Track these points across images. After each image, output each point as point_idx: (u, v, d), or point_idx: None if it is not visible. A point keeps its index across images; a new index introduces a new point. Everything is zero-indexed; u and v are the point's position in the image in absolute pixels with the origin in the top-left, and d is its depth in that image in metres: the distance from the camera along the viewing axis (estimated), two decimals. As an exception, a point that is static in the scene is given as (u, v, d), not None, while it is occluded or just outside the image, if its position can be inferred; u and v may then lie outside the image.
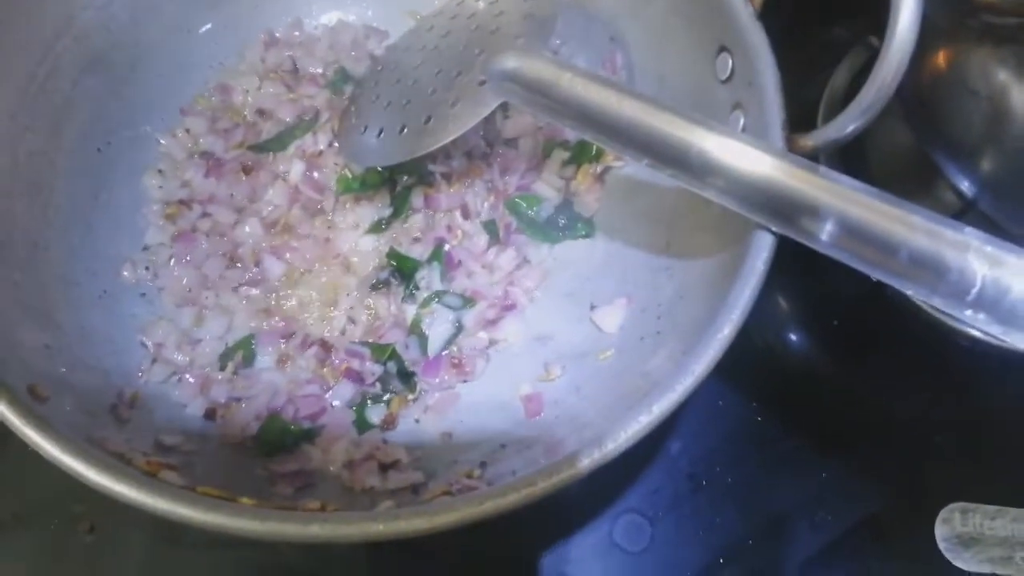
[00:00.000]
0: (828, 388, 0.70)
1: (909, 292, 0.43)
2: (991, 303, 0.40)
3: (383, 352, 0.58)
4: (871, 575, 0.62)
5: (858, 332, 0.71)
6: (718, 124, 0.47)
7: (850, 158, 0.75)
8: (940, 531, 0.63)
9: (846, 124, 0.47)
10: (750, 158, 0.45)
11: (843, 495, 0.64)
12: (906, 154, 0.71)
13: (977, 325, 0.41)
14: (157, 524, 0.60)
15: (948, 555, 0.62)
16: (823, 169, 0.45)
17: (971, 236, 0.41)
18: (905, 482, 0.65)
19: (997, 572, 0.61)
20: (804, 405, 0.69)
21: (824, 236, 0.44)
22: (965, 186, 0.61)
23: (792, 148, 0.49)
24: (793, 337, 0.72)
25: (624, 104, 0.48)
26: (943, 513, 0.63)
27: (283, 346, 0.58)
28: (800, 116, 0.74)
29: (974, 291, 0.40)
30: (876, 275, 0.43)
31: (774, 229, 0.46)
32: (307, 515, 0.38)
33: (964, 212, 0.67)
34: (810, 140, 0.49)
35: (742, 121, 0.53)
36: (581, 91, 0.49)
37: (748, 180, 0.44)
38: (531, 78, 0.52)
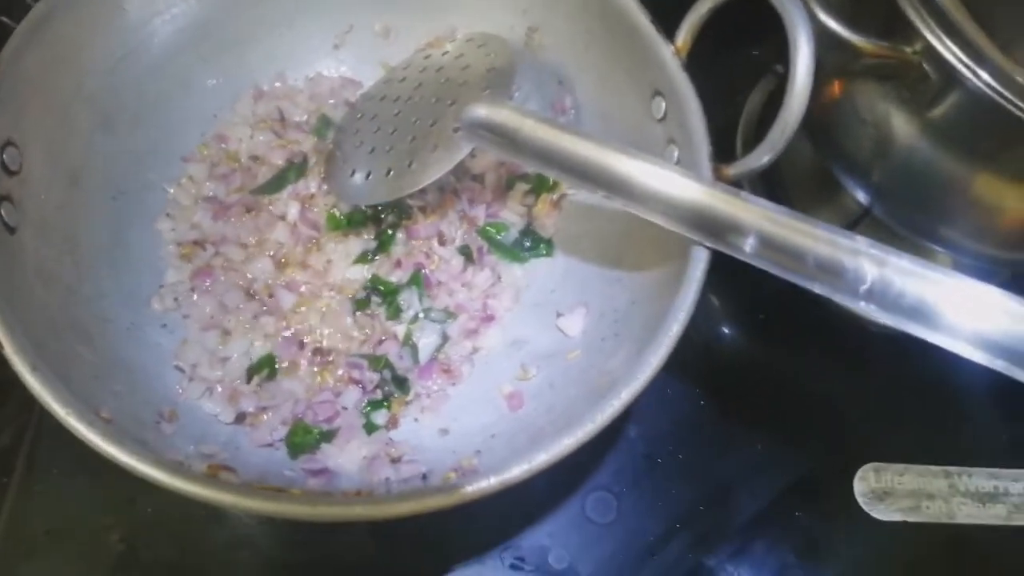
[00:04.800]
0: (758, 373, 0.79)
1: (816, 290, 0.52)
2: (879, 295, 0.49)
3: (378, 362, 0.66)
4: (802, 529, 0.71)
5: (781, 323, 0.80)
6: (656, 158, 0.56)
7: (768, 174, 0.86)
8: (858, 487, 0.72)
9: (760, 156, 0.57)
10: (684, 187, 0.53)
11: (775, 464, 0.73)
12: (813, 169, 0.81)
13: (869, 315, 0.50)
14: (180, 532, 0.67)
15: (866, 508, 0.71)
16: (743, 194, 0.54)
17: (861, 243, 0.50)
18: (826, 449, 0.75)
19: (908, 519, 0.71)
20: (739, 389, 0.77)
21: (747, 248, 0.52)
22: (861, 196, 0.71)
23: (717, 177, 0.57)
24: (726, 331, 0.82)
25: (578, 145, 0.56)
26: (860, 472, 0.73)
27: (296, 357, 0.66)
28: (722, 134, 0.84)
29: (864, 287, 0.49)
30: (788, 278, 0.53)
31: (707, 244, 0.55)
32: (350, 498, 0.46)
33: (863, 217, 0.78)
34: (732, 170, 0.58)
35: (676, 154, 0.61)
36: (541, 135, 0.58)
37: (683, 205, 0.53)
38: (498, 124, 0.60)
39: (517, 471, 0.48)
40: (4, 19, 0.84)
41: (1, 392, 0.72)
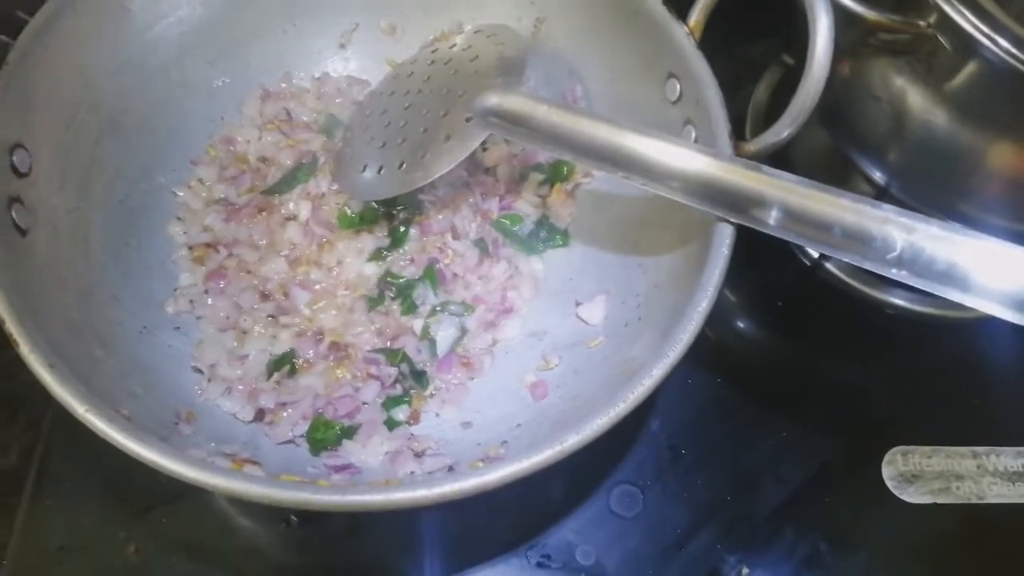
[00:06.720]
0: (779, 360, 0.79)
1: (845, 259, 0.51)
2: (909, 262, 0.49)
3: (395, 356, 0.65)
4: (831, 515, 0.69)
5: (798, 310, 0.80)
6: (674, 137, 0.55)
7: (781, 161, 0.85)
8: (886, 471, 0.71)
9: (781, 131, 0.57)
10: (703, 163, 0.53)
11: (801, 450, 0.72)
12: (825, 153, 0.81)
13: (901, 280, 0.49)
14: (194, 542, 0.66)
15: (895, 491, 0.70)
16: (765, 168, 0.54)
17: (889, 211, 0.50)
18: (852, 433, 0.74)
19: (938, 501, 0.70)
20: (761, 378, 0.77)
21: (772, 221, 0.52)
22: (877, 176, 0.70)
23: (739, 153, 0.57)
24: (745, 321, 0.81)
25: (594, 128, 0.56)
26: (887, 456, 0.71)
27: (313, 354, 0.65)
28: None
29: (894, 254, 0.49)
30: (817, 248, 0.52)
31: (730, 220, 0.54)
32: (384, 486, 0.45)
33: (880, 198, 0.77)
34: (752, 145, 0.58)
35: (694, 134, 0.61)
36: (556, 119, 0.57)
37: (704, 181, 0.53)
38: (512, 112, 0.59)
39: (549, 453, 0.46)
40: (2, 37, 0.84)
41: (8, 410, 0.71)
